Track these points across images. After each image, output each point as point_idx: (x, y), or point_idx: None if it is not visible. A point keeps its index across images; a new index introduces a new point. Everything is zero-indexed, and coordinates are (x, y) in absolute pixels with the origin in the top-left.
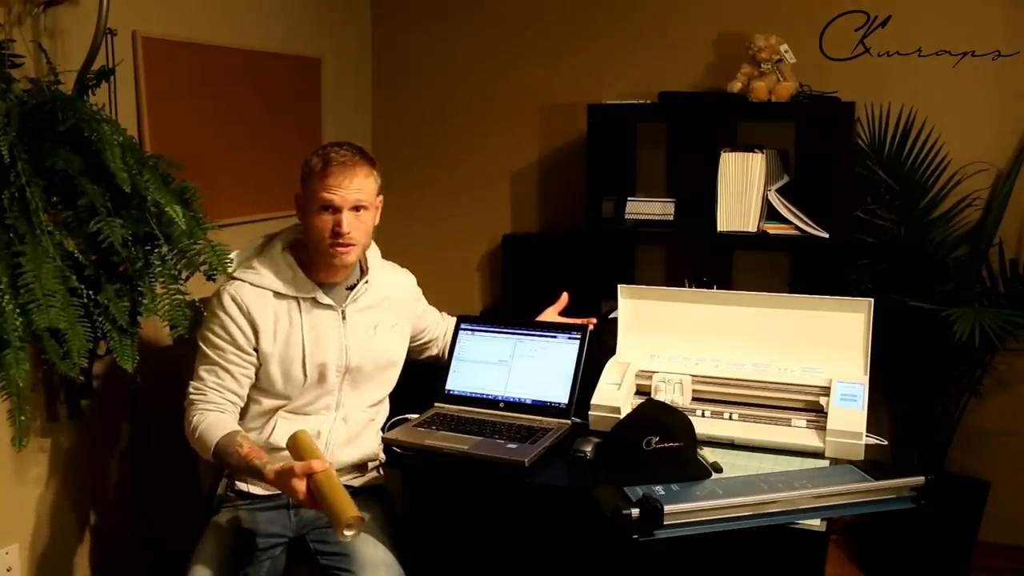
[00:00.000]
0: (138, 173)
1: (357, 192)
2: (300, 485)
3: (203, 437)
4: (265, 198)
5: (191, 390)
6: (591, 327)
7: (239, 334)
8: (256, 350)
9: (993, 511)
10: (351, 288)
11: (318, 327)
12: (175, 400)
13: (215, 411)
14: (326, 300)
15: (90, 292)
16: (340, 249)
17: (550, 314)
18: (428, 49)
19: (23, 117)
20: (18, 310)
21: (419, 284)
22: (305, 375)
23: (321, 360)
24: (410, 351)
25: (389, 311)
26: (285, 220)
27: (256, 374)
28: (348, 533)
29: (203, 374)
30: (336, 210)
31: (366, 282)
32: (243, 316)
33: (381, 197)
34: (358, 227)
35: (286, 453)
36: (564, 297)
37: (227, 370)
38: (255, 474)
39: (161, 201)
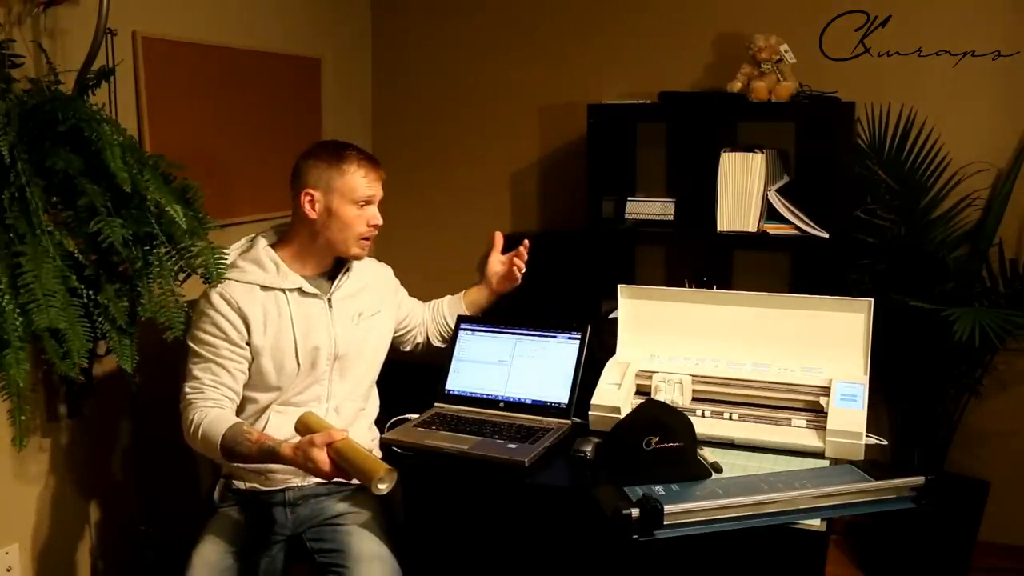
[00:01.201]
0: (138, 173)
1: (382, 188)
2: (322, 455)
3: (207, 433)
4: (265, 198)
5: (187, 390)
6: (525, 248)
7: (231, 329)
8: (248, 344)
9: (993, 511)
10: (332, 279)
11: (307, 316)
12: (175, 400)
13: (215, 407)
14: (311, 289)
15: (90, 292)
16: (367, 242)
17: (494, 256)
18: (428, 49)
19: (23, 117)
20: (18, 310)
21: (419, 284)
22: (298, 364)
23: (313, 347)
24: (397, 343)
25: (370, 299)
26: (285, 220)
27: (248, 369)
28: (382, 487)
29: (198, 373)
30: (369, 204)
31: (347, 270)
32: (234, 311)
33: None
34: None
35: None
36: (498, 237)
37: (222, 366)
38: (270, 456)
39: (161, 201)
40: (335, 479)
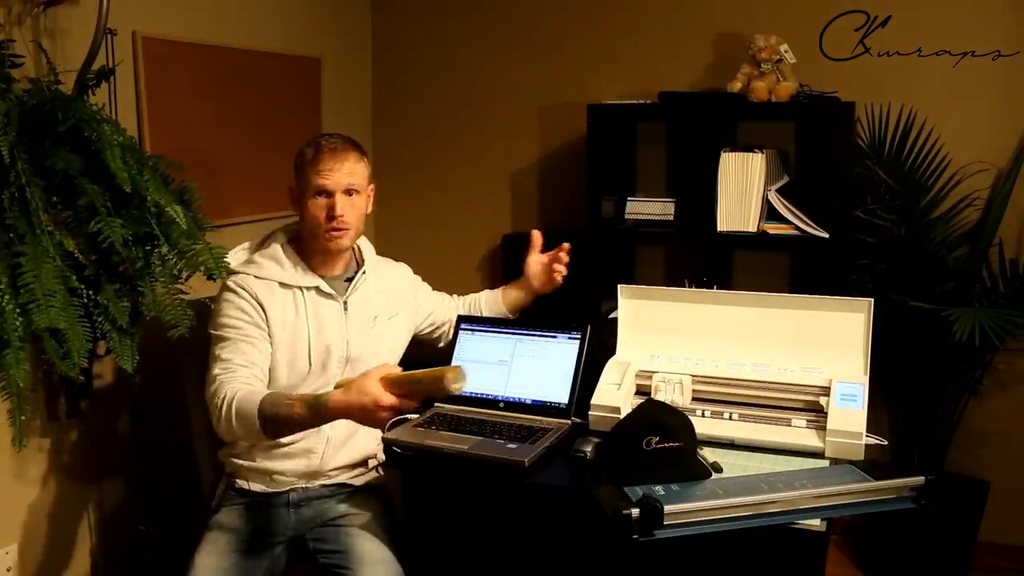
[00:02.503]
0: (138, 173)
1: (348, 176)
2: (377, 388)
3: (242, 407)
4: (265, 198)
5: (217, 371)
6: (565, 251)
7: (254, 311)
8: (269, 333)
9: (993, 511)
10: (350, 280)
11: (321, 316)
12: (175, 400)
13: (246, 385)
14: (328, 289)
15: (90, 292)
16: (335, 233)
17: (533, 257)
18: (428, 49)
19: (23, 117)
20: (18, 310)
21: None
22: (310, 363)
23: (325, 349)
24: (428, 340)
25: (387, 302)
26: (285, 220)
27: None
28: (458, 386)
29: (226, 356)
30: (329, 194)
31: (363, 272)
32: (253, 300)
33: (372, 186)
34: (351, 211)
35: (290, 450)
36: (536, 236)
37: (251, 344)
38: (315, 409)
39: (161, 201)
40: (393, 416)
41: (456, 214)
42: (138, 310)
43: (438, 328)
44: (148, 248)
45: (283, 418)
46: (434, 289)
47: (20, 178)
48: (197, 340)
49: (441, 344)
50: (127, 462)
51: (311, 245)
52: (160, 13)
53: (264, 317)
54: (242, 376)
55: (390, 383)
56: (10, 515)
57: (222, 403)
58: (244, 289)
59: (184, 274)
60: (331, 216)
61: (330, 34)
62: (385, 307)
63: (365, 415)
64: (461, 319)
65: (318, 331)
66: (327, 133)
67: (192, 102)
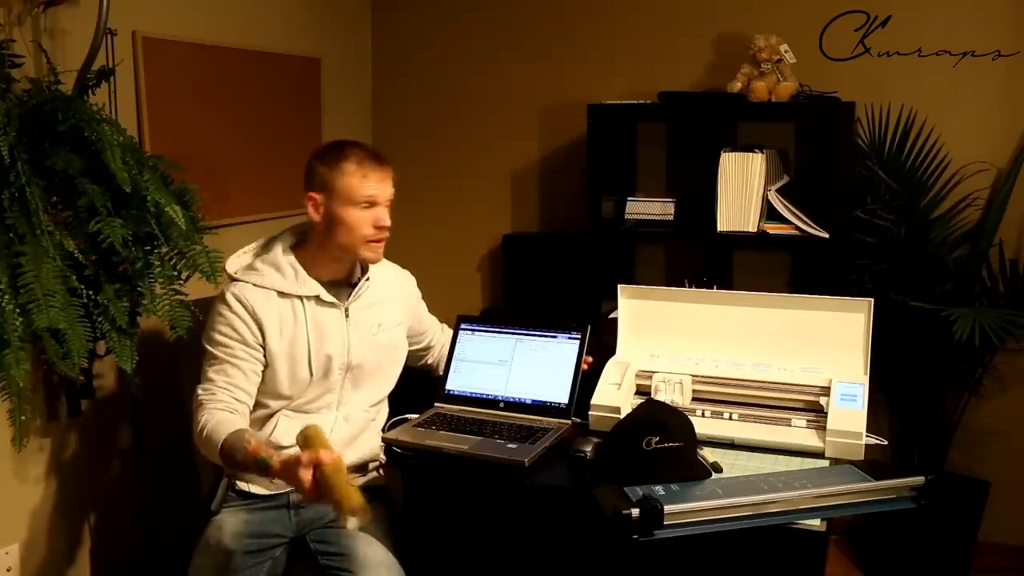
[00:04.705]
0: (138, 173)
1: (391, 188)
2: (306, 475)
3: (210, 436)
4: (265, 198)
5: (200, 392)
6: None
7: (246, 331)
8: (263, 347)
9: (993, 511)
10: (353, 286)
11: (322, 325)
12: (175, 400)
13: (224, 411)
14: (329, 298)
15: (90, 292)
16: (378, 244)
17: None
18: (428, 49)
19: (23, 117)
20: (18, 310)
21: (420, 285)
22: (311, 372)
23: (325, 358)
24: (410, 356)
25: (392, 309)
26: (285, 220)
27: (262, 374)
28: (352, 521)
29: (212, 375)
30: (375, 205)
31: (367, 279)
32: (248, 315)
33: None
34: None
35: (290, 452)
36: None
37: (237, 367)
38: (262, 468)
39: (161, 201)
40: (317, 502)
41: (456, 214)
42: (138, 310)
43: (425, 349)
44: (148, 248)
45: (237, 462)
46: (432, 290)
47: (20, 178)
48: (196, 341)
49: (417, 364)
50: (127, 462)
51: (323, 252)
52: (160, 13)
53: (259, 331)
54: (222, 400)
55: (320, 473)
56: (10, 515)
57: (197, 425)
58: (240, 302)
59: (184, 274)
60: (379, 227)
61: (330, 34)
62: (390, 314)
63: (291, 484)
64: (461, 319)
65: (318, 340)
66: (352, 141)
67: (192, 102)
